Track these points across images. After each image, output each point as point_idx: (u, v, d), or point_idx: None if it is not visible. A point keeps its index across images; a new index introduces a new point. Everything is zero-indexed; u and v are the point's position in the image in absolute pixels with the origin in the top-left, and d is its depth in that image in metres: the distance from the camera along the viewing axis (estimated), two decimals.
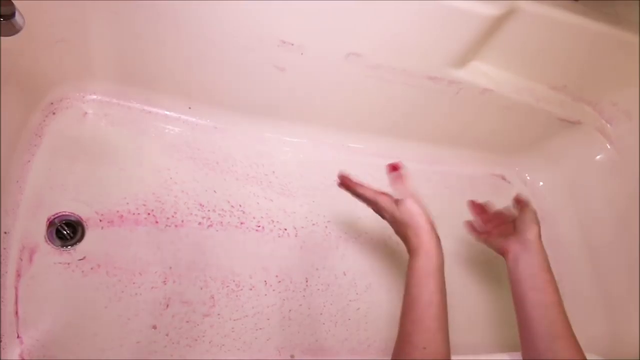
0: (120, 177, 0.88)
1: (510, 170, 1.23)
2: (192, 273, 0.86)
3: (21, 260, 0.75)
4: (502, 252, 0.68)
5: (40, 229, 0.78)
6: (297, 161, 1.04)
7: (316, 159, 1.06)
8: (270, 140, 1.04)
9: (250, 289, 0.89)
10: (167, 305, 0.83)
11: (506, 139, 1.15)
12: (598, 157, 1.08)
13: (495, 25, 0.80)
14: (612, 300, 1.02)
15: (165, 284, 0.84)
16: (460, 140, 1.14)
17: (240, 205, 0.95)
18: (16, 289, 0.73)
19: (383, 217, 0.66)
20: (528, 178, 1.23)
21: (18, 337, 0.70)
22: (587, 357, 0.58)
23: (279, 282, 0.92)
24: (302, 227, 0.98)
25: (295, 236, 0.97)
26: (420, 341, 0.54)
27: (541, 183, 1.21)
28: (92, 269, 0.80)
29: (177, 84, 0.92)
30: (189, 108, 0.97)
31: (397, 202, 0.62)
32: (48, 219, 0.80)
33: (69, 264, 0.79)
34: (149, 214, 0.87)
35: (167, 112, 0.96)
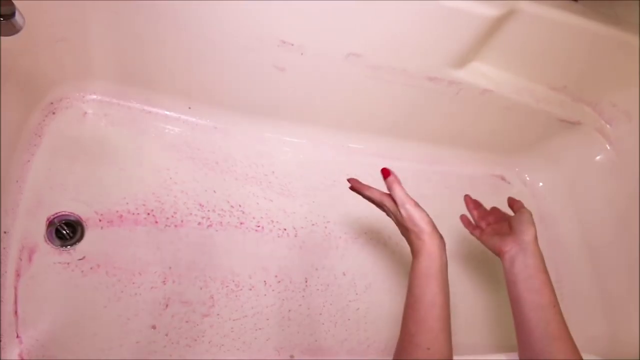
0: (120, 177, 0.88)
1: (510, 171, 1.23)
2: (192, 273, 0.86)
3: (21, 260, 0.75)
4: (499, 253, 0.68)
5: (40, 228, 0.78)
6: (297, 161, 1.04)
7: (316, 159, 1.06)
8: (270, 140, 1.04)
9: (250, 289, 0.90)
10: (167, 305, 0.83)
11: (506, 140, 1.15)
12: (598, 157, 1.08)
13: (495, 25, 0.80)
14: (612, 300, 1.02)
15: (164, 284, 0.84)
16: (460, 140, 1.14)
17: (240, 206, 0.95)
18: (15, 288, 0.73)
19: (390, 218, 0.67)
20: (528, 178, 1.23)
21: (17, 336, 0.70)
22: (586, 358, 0.58)
23: (279, 282, 0.92)
24: (302, 227, 0.99)
25: (295, 236, 0.97)
26: (424, 341, 0.54)
27: (541, 183, 1.22)
28: (91, 268, 0.80)
29: (177, 84, 0.92)
30: (189, 108, 0.97)
31: (398, 206, 0.62)
32: (48, 219, 0.80)
33: (68, 263, 0.79)
34: (148, 214, 0.87)
35: (167, 112, 0.96)
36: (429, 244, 0.59)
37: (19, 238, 0.76)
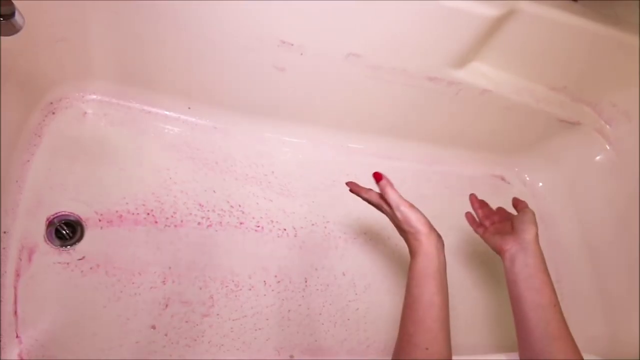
0: (120, 177, 0.88)
1: (510, 171, 1.23)
2: (192, 273, 0.86)
3: (20, 259, 0.75)
4: (499, 251, 0.69)
5: (40, 228, 0.78)
6: (297, 161, 1.04)
7: (316, 159, 1.06)
8: (270, 140, 1.04)
9: (250, 289, 0.89)
10: (167, 305, 0.83)
11: (506, 140, 1.15)
12: (597, 157, 1.08)
13: (495, 25, 0.80)
14: (612, 300, 1.02)
15: (164, 284, 0.84)
16: (460, 140, 1.14)
17: (239, 206, 0.95)
18: (15, 288, 0.73)
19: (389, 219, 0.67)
20: (527, 178, 1.23)
21: (17, 336, 0.70)
22: (586, 358, 0.58)
23: (278, 282, 0.92)
24: (302, 227, 0.98)
25: (295, 236, 0.97)
26: (422, 342, 0.54)
27: (541, 183, 1.22)
28: (91, 268, 0.80)
29: (177, 84, 0.92)
30: (189, 108, 0.97)
31: (393, 208, 0.63)
32: (47, 219, 0.80)
33: (68, 263, 0.78)
34: (148, 213, 0.87)
35: (167, 112, 0.96)
36: (426, 245, 0.59)
37: (19, 238, 0.76)
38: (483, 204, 0.80)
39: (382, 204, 0.65)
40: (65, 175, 0.84)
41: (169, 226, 0.88)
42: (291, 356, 0.87)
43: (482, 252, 1.09)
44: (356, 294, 0.97)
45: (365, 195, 0.68)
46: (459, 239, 1.06)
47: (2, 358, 0.67)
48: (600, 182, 1.07)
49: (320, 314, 0.93)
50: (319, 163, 1.06)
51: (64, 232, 0.80)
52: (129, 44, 0.83)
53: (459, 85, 0.93)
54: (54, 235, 0.79)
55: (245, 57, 0.84)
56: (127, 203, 0.86)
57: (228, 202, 0.95)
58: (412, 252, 0.61)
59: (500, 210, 0.77)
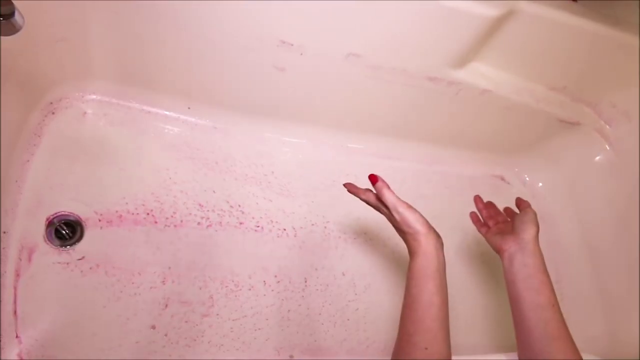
0: (120, 177, 0.88)
1: (510, 171, 1.23)
2: (191, 273, 0.86)
3: (20, 259, 0.75)
4: (499, 251, 0.69)
5: (40, 228, 0.78)
6: (297, 161, 1.04)
7: (316, 159, 1.06)
8: (270, 140, 1.04)
9: (249, 289, 0.89)
10: (166, 305, 0.83)
11: (506, 140, 1.15)
12: (597, 157, 1.08)
13: (495, 26, 0.80)
14: (612, 300, 1.02)
15: (164, 284, 0.84)
16: (460, 140, 1.14)
17: (239, 206, 0.95)
18: (15, 288, 0.73)
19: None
20: (527, 179, 1.23)
21: (17, 336, 0.70)
22: (586, 358, 0.58)
23: (278, 282, 0.92)
24: (301, 228, 0.98)
25: (295, 236, 0.97)
26: (422, 341, 0.54)
27: (540, 184, 1.22)
28: (91, 268, 0.80)
29: (177, 84, 0.92)
30: (189, 108, 0.97)
31: (390, 210, 0.63)
32: (47, 219, 0.80)
33: (68, 263, 0.78)
34: (148, 214, 0.87)
35: (167, 112, 0.96)
36: (424, 245, 0.59)
37: (19, 238, 0.76)
38: (489, 205, 0.80)
39: (380, 205, 0.65)
40: (65, 175, 0.84)
41: (168, 226, 0.88)
42: (291, 356, 0.87)
43: (482, 252, 1.09)
44: (356, 294, 0.97)
45: (364, 197, 0.68)
46: (459, 239, 1.06)
47: (2, 358, 0.67)
48: (600, 182, 1.07)
49: (320, 314, 0.93)
50: (318, 163, 1.06)
51: (64, 232, 0.80)
52: (129, 44, 0.83)
53: (459, 86, 0.93)
54: (53, 235, 0.79)
55: (245, 57, 0.84)
56: (126, 203, 0.86)
57: (228, 202, 0.95)
58: (411, 252, 0.61)
59: (506, 210, 0.77)
